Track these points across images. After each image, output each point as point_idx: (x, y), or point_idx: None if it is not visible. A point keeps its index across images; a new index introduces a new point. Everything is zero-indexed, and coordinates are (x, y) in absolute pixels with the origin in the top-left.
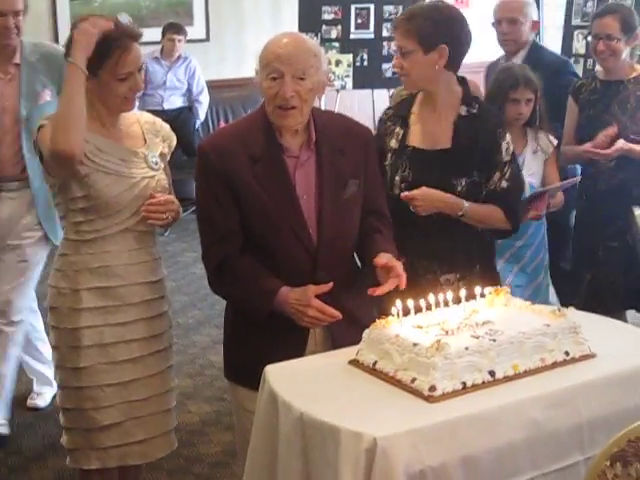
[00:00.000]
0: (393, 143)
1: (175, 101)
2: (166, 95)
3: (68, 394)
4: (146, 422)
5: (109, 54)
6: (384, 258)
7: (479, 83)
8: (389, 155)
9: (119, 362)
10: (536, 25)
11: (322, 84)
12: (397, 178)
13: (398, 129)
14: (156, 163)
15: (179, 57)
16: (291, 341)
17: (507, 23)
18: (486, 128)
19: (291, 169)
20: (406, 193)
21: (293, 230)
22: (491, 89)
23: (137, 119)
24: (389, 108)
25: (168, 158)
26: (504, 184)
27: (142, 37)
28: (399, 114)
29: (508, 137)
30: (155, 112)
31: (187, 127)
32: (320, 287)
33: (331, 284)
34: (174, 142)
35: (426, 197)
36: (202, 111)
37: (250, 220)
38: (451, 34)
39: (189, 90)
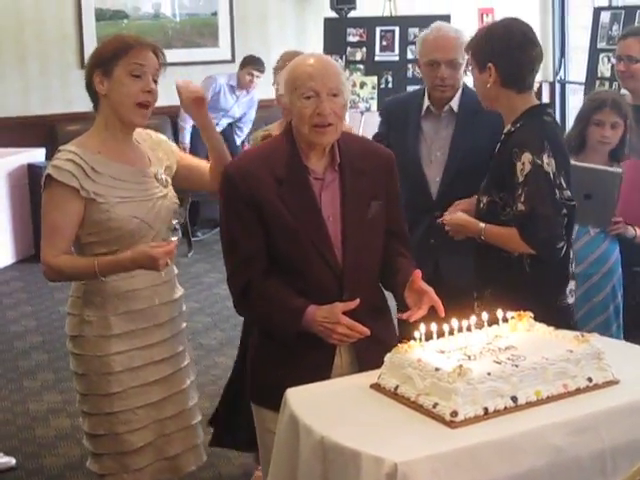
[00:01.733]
0: None
1: (225, 124)
2: (223, 121)
3: (99, 420)
4: (175, 438)
5: (125, 51)
6: (419, 282)
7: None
8: None
9: (149, 383)
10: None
11: (348, 102)
12: None
13: None
14: (165, 180)
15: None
16: (317, 364)
17: (447, 66)
18: (507, 148)
19: (317, 191)
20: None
21: (319, 252)
22: (578, 113)
23: (135, 138)
24: None
25: (174, 169)
26: (520, 207)
27: (163, 54)
28: None
29: (525, 158)
30: None
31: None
32: (347, 304)
33: (358, 301)
34: (174, 146)
35: (451, 222)
36: (239, 139)
37: (276, 242)
38: (495, 52)
39: (240, 118)
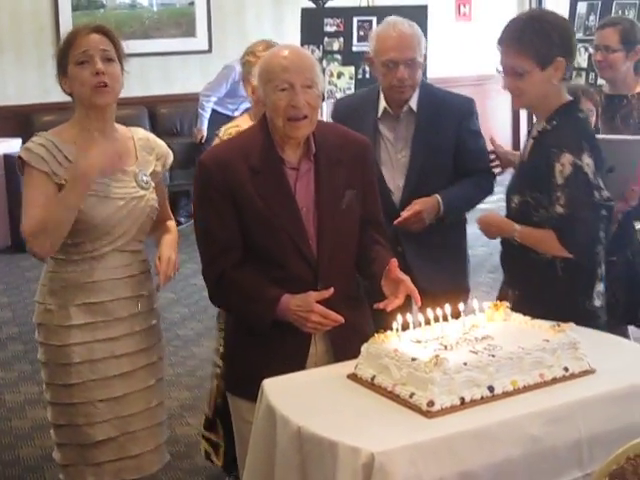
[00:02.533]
0: None
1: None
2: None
3: (60, 410)
4: (140, 436)
5: (70, 47)
6: (396, 271)
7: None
8: None
9: (110, 377)
10: (425, 58)
11: (323, 93)
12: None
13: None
14: (146, 182)
15: None
16: (292, 354)
17: (405, 66)
18: (544, 147)
19: (292, 181)
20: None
21: (294, 242)
22: None
23: (131, 135)
24: None
25: (161, 177)
26: (559, 209)
27: (109, 32)
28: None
29: (565, 159)
30: (223, 115)
31: None
32: (321, 293)
33: (332, 290)
34: (170, 159)
35: (483, 222)
36: None
37: (251, 232)
38: (565, 46)
39: None
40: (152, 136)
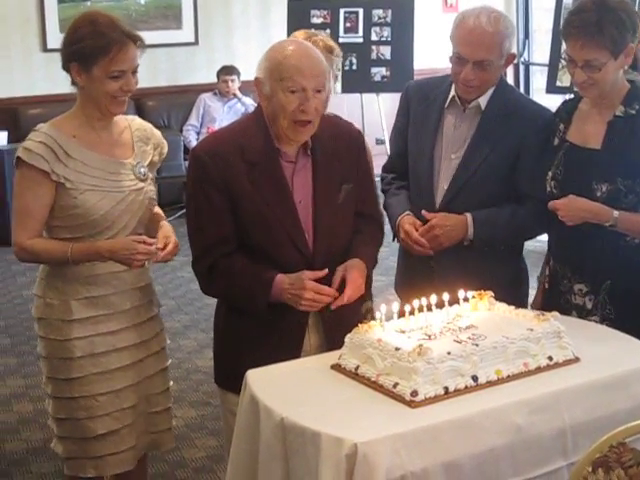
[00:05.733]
0: (555, 141)
1: None
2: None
3: (61, 404)
4: (139, 423)
5: (106, 51)
6: (340, 272)
7: None
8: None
9: (111, 371)
10: (512, 59)
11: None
12: (550, 174)
13: (562, 125)
14: (144, 174)
15: (235, 95)
16: (286, 347)
17: (474, 65)
18: (631, 132)
19: (289, 174)
20: (552, 202)
21: (290, 236)
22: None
23: (128, 124)
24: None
25: (158, 166)
26: None
27: (142, 42)
28: (566, 109)
29: None
30: None
31: None
32: (315, 273)
33: (326, 271)
34: (165, 149)
35: (570, 207)
36: None
37: (246, 226)
38: (634, 30)
39: None
40: (148, 125)
